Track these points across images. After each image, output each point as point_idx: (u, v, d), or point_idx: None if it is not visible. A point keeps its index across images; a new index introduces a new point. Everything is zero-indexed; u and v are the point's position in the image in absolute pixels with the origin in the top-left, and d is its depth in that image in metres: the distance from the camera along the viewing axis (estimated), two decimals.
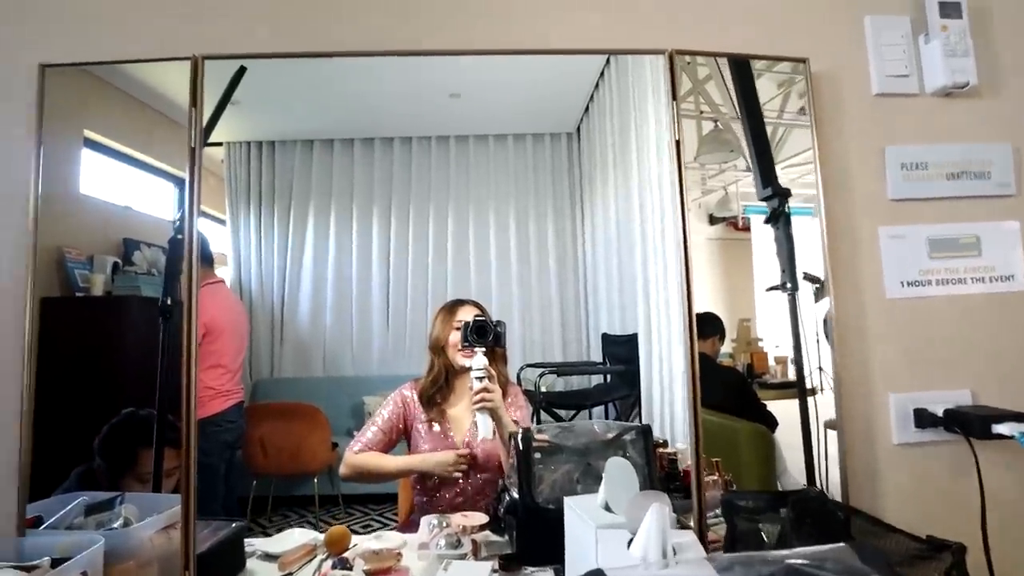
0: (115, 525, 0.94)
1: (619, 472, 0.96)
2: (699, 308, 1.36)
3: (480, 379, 1.28)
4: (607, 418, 2.29)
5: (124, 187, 1.23)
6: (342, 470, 1.50)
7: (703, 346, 1.35)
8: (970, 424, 1.00)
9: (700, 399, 1.12)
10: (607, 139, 2.86)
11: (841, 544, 0.57)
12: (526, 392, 2.69)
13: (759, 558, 0.57)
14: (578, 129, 3.37)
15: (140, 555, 0.91)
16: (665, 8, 1.19)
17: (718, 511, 1.07)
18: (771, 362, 1.34)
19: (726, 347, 1.36)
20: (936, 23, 1.17)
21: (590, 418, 2.32)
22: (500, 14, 1.18)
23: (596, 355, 3.15)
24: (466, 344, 1.36)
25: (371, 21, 1.17)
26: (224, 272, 3.71)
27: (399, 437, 1.48)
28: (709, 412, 1.34)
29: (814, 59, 1.15)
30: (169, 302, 1.10)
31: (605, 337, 2.78)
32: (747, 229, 1.28)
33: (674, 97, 1.03)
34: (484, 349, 1.32)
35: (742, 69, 1.19)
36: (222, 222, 3.80)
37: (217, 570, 1.03)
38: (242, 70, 1.19)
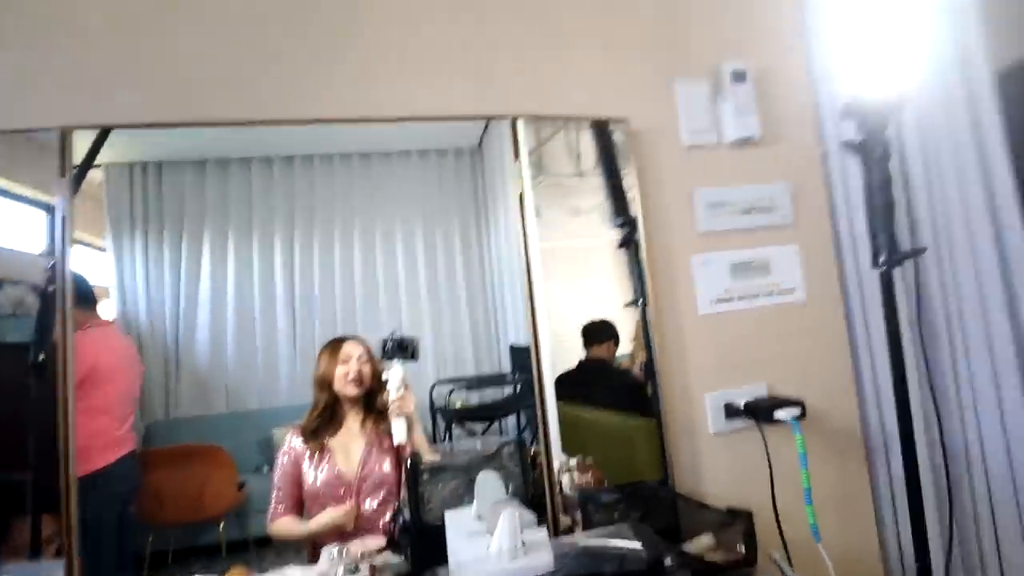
0: None
1: (487, 485, 1.10)
2: (602, 310, 1.44)
3: (397, 388, 1.40)
4: (519, 427, 2.42)
5: None
6: (270, 533, 1.57)
7: (599, 351, 1.46)
8: (759, 412, 1.26)
9: (600, 400, 1.33)
10: (506, 153, 3.04)
11: (623, 524, 0.74)
12: (439, 409, 2.79)
13: (570, 542, 0.73)
14: (480, 144, 3.50)
15: None
16: (512, 78, 1.38)
17: None
18: None
19: (625, 348, 1.45)
20: (728, 87, 1.43)
21: (500, 430, 2.44)
22: (367, 86, 1.33)
23: (508, 367, 3.27)
24: (385, 356, 1.48)
25: (246, 91, 1.27)
26: (106, 305, 3.45)
27: (301, 487, 1.53)
28: (606, 412, 1.45)
29: (634, 118, 1.38)
30: (42, 358, 1.05)
31: (512, 348, 2.93)
32: (619, 247, 1.39)
33: (516, 157, 1.21)
34: (400, 362, 1.45)
35: (597, 123, 1.37)
36: (102, 250, 3.53)
37: None
38: (106, 132, 1.22)
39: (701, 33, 1.47)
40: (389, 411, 1.41)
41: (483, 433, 2.08)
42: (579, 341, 1.49)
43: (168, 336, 3.45)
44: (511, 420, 2.31)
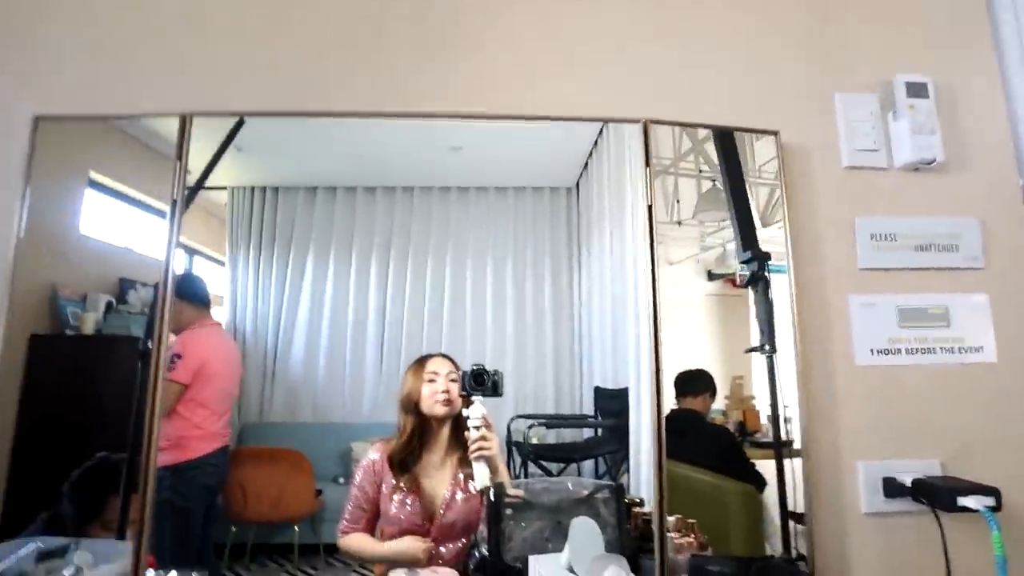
0: (65, 574, 0.92)
1: (583, 532, 0.95)
2: (692, 364, 1.35)
3: (477, 428, 1.27)
4: (597, 472, 2.26)
5: (126, 228, 1.24)
6: (340, 549, 1.50)
7: (693, 403, 1.35)
8: (937, 495, 0.99)
9: (688, 455, 1.14)
10: (604, 195, 2.94)
11: None
12: (516, 444, 2.66)
13: None
14: (577, 184, 3.47)
15: None
16: (644, 81, 1.26)
17: None
18: (763, 420, 1.31)
19: (719, 404, 1.35)
20: (903, 102, 1.22)
21: (579, 472, 2.30)
22: (492, 81, 1.25)
23: (588, 408, 3.13)
24: (463, 393, 1.36)
25: (365, 82, 1.23)
26: (220, 313, 3.74)
27: (377, 506, 1.44)
28: (695, 470, 1.31)
29: (784, 132, 1.20)
30: (149, 345, 1.10)
31: (597, 391, 2.76)
32: (744, 286, 1.27)
33: (647, 163, 1.08)
34: (482, 398, 1.32)
35: (725, 137, 1.24)
36: (221, 263, 3.86)
37: None
38: (241, 121, 1.23)
39: (871, 43, 1.28)
40: (470, 452, 1.28)
41: (559, 474, 1.92)
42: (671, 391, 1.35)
43: (269, 346, 3.65)
44: (588, 464, 2.16)
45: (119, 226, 1.24)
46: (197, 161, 1.26)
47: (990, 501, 0.94)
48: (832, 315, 1.15)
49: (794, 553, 1.08)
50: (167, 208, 1.20)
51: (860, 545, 1.07)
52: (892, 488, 1.06)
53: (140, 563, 0.84)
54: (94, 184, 1.20)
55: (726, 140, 1.25)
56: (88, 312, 1.18)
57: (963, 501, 0.95)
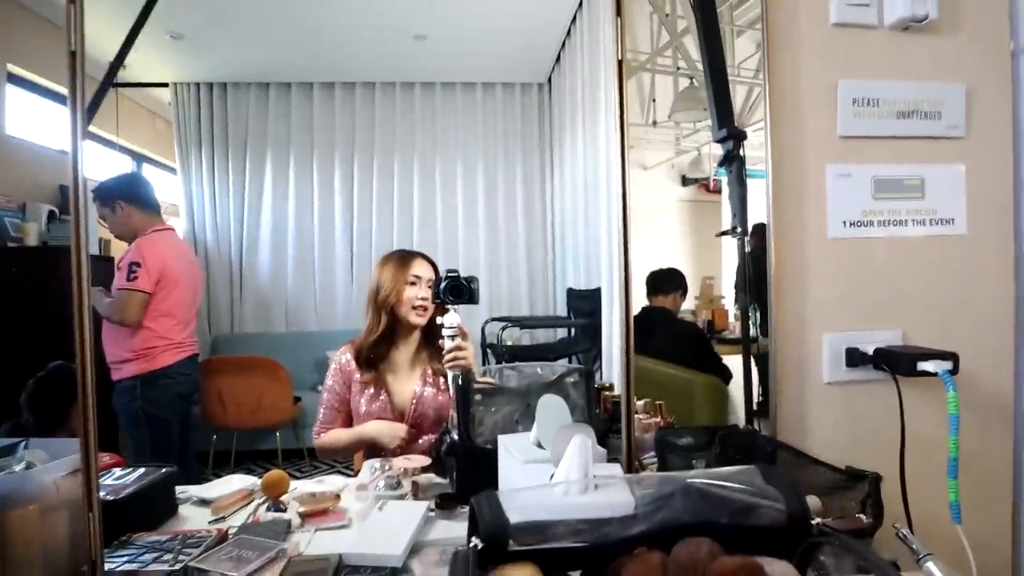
0: (16, 468, 0.89)
1: (551, 410, 0.95)
2: (664, 265, 1.38)
3: (452, 337, 1.25)
4: None
5: (57, 129, 1.11)
6: (317, 451, 1.45)
7: (664, 301, 1.39)
8: (897, 362, 1.01)
9: (659, 351, 1.17)
10: (577, 92, 2.75)
11: (749, 466, 0.56)
12: (490, 346, 2.67)
13: (667, 478, 0.55)
14: (549, 80, 3.23)
15: (44, 500, 0.86)
16: None
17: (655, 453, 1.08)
18: (731, 319, 1.36)
19: (689, 303, 1.39)
20: None
21: None
22: None
23: (562, 309, 3.14)
24: (437, 301, 1.32)
25: None
26: (176, 223, 3.53)
27: (349, 406, 1.43)
28: (666, 364, 1.35)
29: None
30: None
31: (570, 292, 2.75)
32: (718, 192, 1.27)
33: (618, 12, 0.96)
34: (455, 307, 1.28)
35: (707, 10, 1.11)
36: (172, 170, 3.57)
37: (142, 515, 1.00)
38: None
39: None
40: (444, 362, 1.26)
41: None
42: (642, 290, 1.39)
43: (233, 255, 3.50)
44: (561, 364, 2.17)
45: (51, 127, 1.10)
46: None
47: (948, 365, 0.96)
48: (808, 186, 1.11)
49: (756, 426, 1.11)
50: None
51: (820, 411, 1.11)
52: (854, 357, 1.08)
53: (90, 452, 0.80)
54: (16, 80, 1.05)
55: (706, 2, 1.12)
56: (29, 222, 1.08)
57: (923, 365, 0.97)
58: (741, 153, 1.14)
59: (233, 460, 2.99)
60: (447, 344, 1.26)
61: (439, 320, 1.30)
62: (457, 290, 1.29)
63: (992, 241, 1.16)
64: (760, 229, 1.12)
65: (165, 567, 0.86)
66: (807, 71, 1.11)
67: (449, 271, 1.31)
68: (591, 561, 0.51)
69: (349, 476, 1.29)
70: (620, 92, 0.93)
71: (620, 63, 0.93)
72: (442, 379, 1.40)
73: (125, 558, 0.89)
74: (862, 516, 0.80)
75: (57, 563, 0.87)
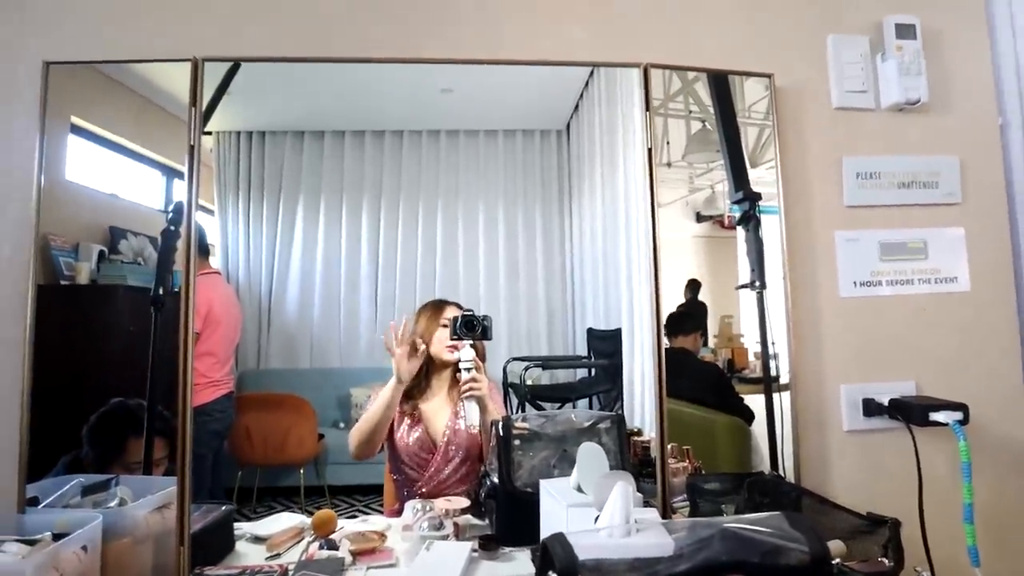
0: (111, 504, 0.98)
1: (590, 456, 1.02)
2: (681, 301, 1.35)
3: (468, 370, 1.34)
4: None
5: (110, 175, 1.21)
6: (351, 451, 1.50)
7: (684, 341, 1.38)
8: (911, 412, 1.09)
9: (681, 392, 1.19)
10: (595, 138, 2.91)
11: (775, 512, 0.64)
12: (511, 385, 2.74)
13: (704, 523, 0.64)
14: (568, 127, 3.41)
15: (136, 533, 0.94)
16: (642, 25, 1.26)
17: (686, 496, 1.15)
18: (751, 358, 1.37)
19: (708, 343, 1.39)
20: (892, 43, 1.25)
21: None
22: (490, 25, 1.23)
23: (582, 349, 3.19)
24: (455, 337, 1.41)
25: (365, 28, 1.21)
26: (212, 263, 3.68)
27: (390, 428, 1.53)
28: (688, 405, 1.35)
29: (779, 75, 1.23)
30: (161, 292, 1.10)
31: (590, 332, 2.83)
32: (733, 228, 1.31)
33: (647, 108, 1.10)
34: (471, 342, 1.38)
35: (719, 80, 1.25)
36: (210, 212, 3.77)
37: (209, 549, 1.07)
38: (236, 66, 1.20)
39: None
40: (460, 392, 1.36)
41: None
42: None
43: (263, 293, 3.63)
44: (583, 404, 2.23)
45: (103, 173, 1.22)
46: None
47: (958, 415, 1.03)
48: (819, 250, 1.22)
49: (781, 472, 1.18)
50: (153, 154, 1.18)
51: (840, 458, 1.18)
52: (871, 407, 1.16)
53: (185, 493, 0.90)
54: (76, 130, 1.16)
55: (719, 82, 1.26)
56: (81, 262, 1.17)
57: (934, 416, 1.05)
58: (757, 213, 1.26)
59: (255, 496, 3.03)
60: (463, 376, 1.35)
61: (454, 356, 1.40)
62: (470, 325, 1.39)
63: (995, 297, 1.25)
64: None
65: None
66: (814, 150, 1.23)
67: (464, 310, 1.42)
68: None
69: (379, 513, 1.36)
70: (650, 176, 1.05)
71: (649, 151, 1.06)
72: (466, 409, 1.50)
73: None
74: (884, 560, 0.87)
75: None
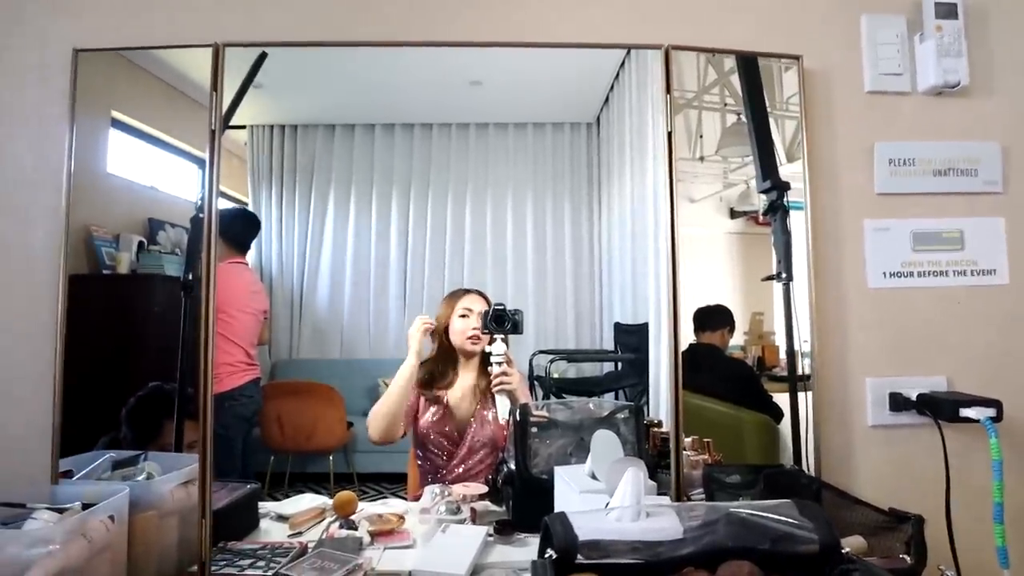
0: (139, 478, 1.02)
1: (604, 443, 1.02)
2: (712, 301, 1.35)
3: (499, 364, 1.36)
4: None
5: (149, 167, 1.25)
6: (371, 434, 1.53)
7: (712, 337, 1.37)
8: (940, 408, 1.05)
9: (707, 388, 1.21)
10: (625, 130, 2.87)
11: (786, 500, 0.63)
12: (537, 378, 2.75)
13: (711, 508, 0.63)
14: (598, 119, 3.38)
15: (162, 506, 0.98)
16: (665, 6, 1.23)
17: (703, 489, 1.13)
18: (781, 355, 1.33)
19: (738, 339, 1.37)
20: (931, 23, 1.19)
21: None
22: (512, 8, 1.22)
23: (608, 343, 3.18)
24: (486, 332, 1.42)
25: (389, 11, 1.21)
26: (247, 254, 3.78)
27: (414, 411, 1.53)
28: (715, 401, 1.36)
29: (808, 56, 1.19)
30: (191, 278, 1.14)
31: (617, 326, 2.81)
32: (767, 224, 1.28)
33: (668, 91, 1.08)
34: (503, 336, 1.38)
35: (748, 63, 1.22)
36: (245, 205, 3.89)
37: (233, 526, 1.11)
38: (263, 56, 1.22)
39: None
40: (492, 386, 1.36)
41: None
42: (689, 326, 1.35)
43: (295, 285, 3.73)
44: (608, 398, 2.22)
45: (143, 166, 1.27)
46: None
47: (991, 412, 0.99)
48: (847, 240, 1.17)
49: (804, 467, 1.15)
50: (188, 147, 1.20)
51: (864, 453, 1.14)
52: (897, 402, 1.12)
53: (207, 469, 0.94)
54: (117, 123, 1.20)
55: (750, 67, 1.23)
56: (122, 252, 1.21)
57: (965, 412, 1.00)
58: (785, 203, 1.22)
59: (287, 481, 3.12)
60: (494, 369, 1.36)
61: (486, 349, 1.40)
62: (501, 319, 1.40)
63: None
64: None
65: (259, 572, 0.97)
66: (844, 135, 1.19)
67: (496, 304, 1.42)
68: None
69: (404, 500, 1.39)
70: (669, 161, 1.03)
71: (669, 135, 1.04)
72: (496, 402, 1.51)
73: (224, 562, 1.00)
74: (905, 557, 0.84)
75: (168, 563, 1.00)
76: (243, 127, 3.40)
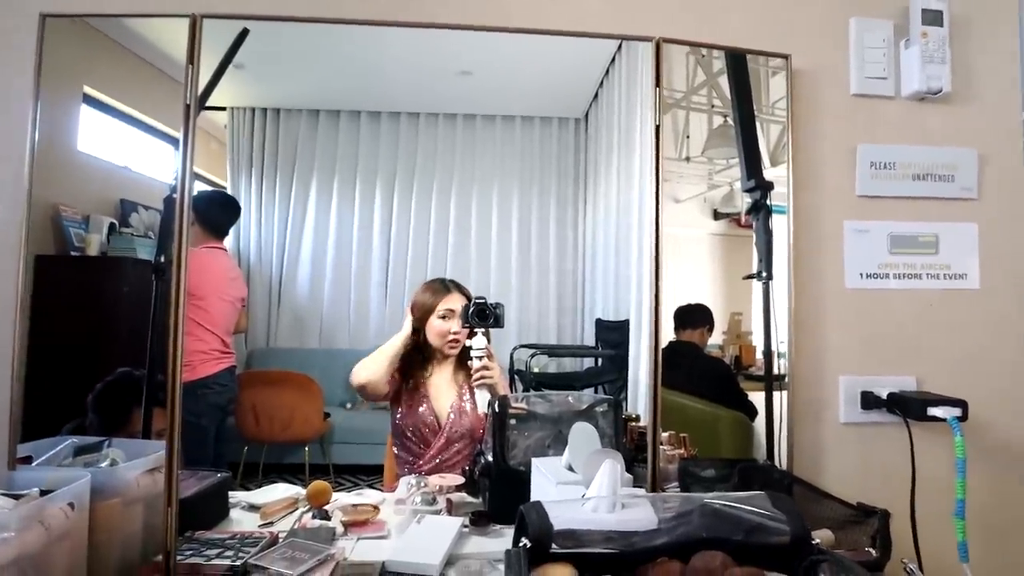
0: (102, 465, 0.99)
1: (582, 436, 1.02)
2: (693, 300, 1.37)
3: (480, 358, 1.35)
4: None
5: (123, 146, 1.20)
6: (354, 377, 1.51)
7: (691, 335, 1.38)
8: (909, 407, 1.07)
9: (685, 385, 1.22)
10: (613, 127, 2.87)
11: (759, 492, 0.63)
12: (518, 372, 2.75)
13: (686, 499, 0.63)
14: (586, 115, 3.37)
15: (126, 494, 0.95)
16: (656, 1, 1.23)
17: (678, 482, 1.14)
18: (758, 355, 1.34)
19: (717, 338, 1.39)
20: (918, 29, 1.21)
21: None
22: None
23: (590, 339, 3.19)
24: (466, 325, 1.41)
25: None
26: (225, 240, 3.71)
27: (397, 384, 1.51)
28: (692, 398, 1.37)
29: (796, 56, 1.20)
30: (162, 260, 1.09)
31: (599, 322, 2.83)
32: (749, 227, 1.30)
33: (657, 84, 1.08)
34: (483, 330, 1.37)
35: (737, 61, 1.23)
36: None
37: (201, 515, 1.08)
38: (244, 32, 1.17)
39: None
40: (472, 380, 1.36)
41: None
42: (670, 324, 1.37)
43: (274, 272, 3.66)
44: (588, 393, 2.23)
45: (116, 145, 1.21)
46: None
47: (957, 412, 1.02)
48: (826, 240, 1.19)
49: (777, 462, 1.17)
50: (164, 127, 1.15)
51: (835, 450, 1.17)
52: (869, 400, 1.14)
53: (174, 456, 0.91)
54: (89, 100, 1.14)
55: (739, 66, 1.24)
56: (92, 234, 1.16)
57: (932, 411, 1.03)
58: (768, 202, 1.23)
59: (261, 472, 3.07)
60: (475, 364, 1.35)
61: (467, 343, 1.39)
62: (483, 314, 1.38)
63: (1005, 297, 1.22)
64: None
65: (227, 562, 0.94)
66: (828, 136, 1.20)
67: (477, 298, 1.41)
68: (620, 566, 0.59)
69: (380, 491, 1.37)
70: (656, 155, 1.03)
71: (657, 128, 1.04)
72: (474, 398, 1.50)
73: (191, 552, 0.98)
74: (871, 550, 0.86)
75: (132, 552, 0.96)
76: (223, 109, 3.31)
